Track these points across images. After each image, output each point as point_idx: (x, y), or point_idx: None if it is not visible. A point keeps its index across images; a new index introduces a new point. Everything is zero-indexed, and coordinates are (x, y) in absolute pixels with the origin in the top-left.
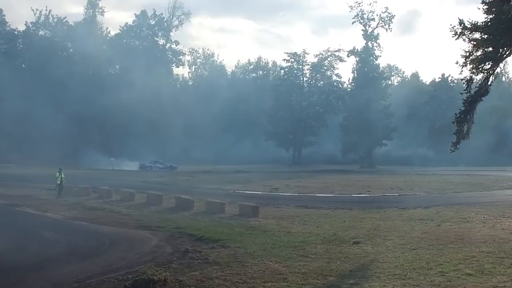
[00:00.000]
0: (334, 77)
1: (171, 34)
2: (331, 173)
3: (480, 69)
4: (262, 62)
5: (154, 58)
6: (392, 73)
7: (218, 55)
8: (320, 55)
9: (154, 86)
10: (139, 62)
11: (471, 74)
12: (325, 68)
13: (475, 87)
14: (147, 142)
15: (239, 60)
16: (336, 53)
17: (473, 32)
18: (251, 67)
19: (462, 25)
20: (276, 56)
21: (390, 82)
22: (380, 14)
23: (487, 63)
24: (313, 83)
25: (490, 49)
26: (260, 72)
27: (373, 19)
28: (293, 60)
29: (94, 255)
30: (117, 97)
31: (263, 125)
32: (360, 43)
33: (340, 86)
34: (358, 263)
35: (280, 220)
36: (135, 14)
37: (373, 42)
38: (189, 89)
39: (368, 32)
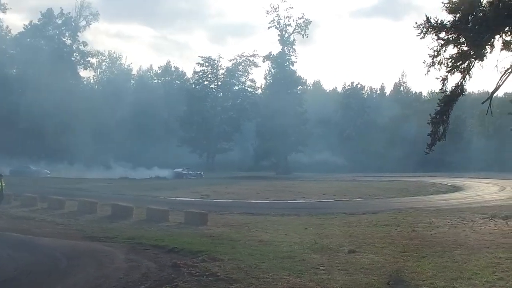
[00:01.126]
0: (249, 83)
1: (79, 34)
2: (252, 180)
3: (456, 68)
4: (172, 66)
5: (61, 58)
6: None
7: (126, 58)
8: (235, 60)
9: (60, 88)
10: (44, 63)
11: (447, 73)
12: (240, 73)
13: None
14: (57, 146)
15: (141, 66)
16: (251, 58)
17: (440, 31)
18: (159, 71)
19: (429, 23)
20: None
21: (308, 87)
22: (296, 20)
23: (461, 62)
24: (227, 88)
25: (465, 48)
26: (168, 78)
27: (290, 25)
28: (207, 64)
29: (58, 275)
30: (19, 99)
31: (175, 130)
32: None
33: (255, 91)
34: (384, 274)
35: (233, 228)
36: (40, 12)
37: (289, 48)
38: (97, 92)
39: (284, 38)
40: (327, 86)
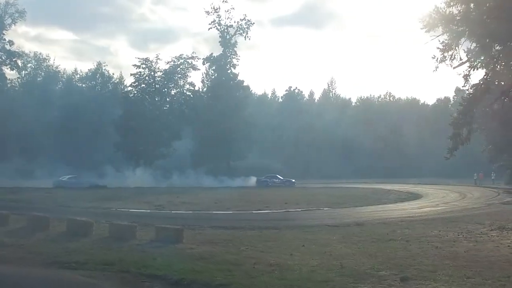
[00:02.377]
0: (188, 86)
1: (4, 33)
2: (200, 188)
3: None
4: (103, 69)
5: None
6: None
7: (54, 60)
8: (173, 62)
9: None
10: None
11: (469, 68)
12: (179, 76)
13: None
14: None
15: (65, 69)
16: (190, 61)
17: (450, 24)
18: (90, 74)
19: (439, 15)
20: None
21: (250, 91)
22: (238, 22)
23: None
24: (166, 92)
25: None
26: (100, 80)
27: (231, 26)
28: (144, 66)
29: None
30: None
31: (111, 135)
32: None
33: (195, 95)
34: None
35: (217, 246)
36: None
37: (230, 50)
38: (23, 95)
39: (226, 39)
40: (261, 91)
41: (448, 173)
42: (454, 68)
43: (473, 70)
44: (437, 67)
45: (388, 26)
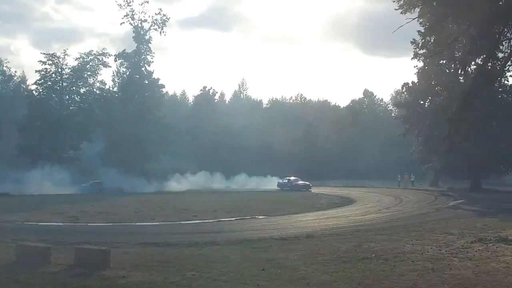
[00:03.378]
0: (98, 84)
1: None
2: (114, 195)
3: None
4: (4, 67)
5: None
6: None
7: None
8: (82, 59)
9: None
10: None
11: (469, 55)
12: (88, 73)
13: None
14: None
15: None
16: (100, 57)
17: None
18: None
19: None
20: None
21: (165, 91)
22: (153, 16)
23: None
24: (75, 90)
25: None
26: (0, 78)
27: (146, 21)
28: (50, 62)
29: None
30: None
31: (13, 137)
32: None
33: (106, 94)
34: None
35: (155, 271)
36: None
37: (145, 46)
38: None
39: (140, 34)
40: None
41: (367, 174)
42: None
43: (473, 56)
44: (417, 54)
45: (295, 29)
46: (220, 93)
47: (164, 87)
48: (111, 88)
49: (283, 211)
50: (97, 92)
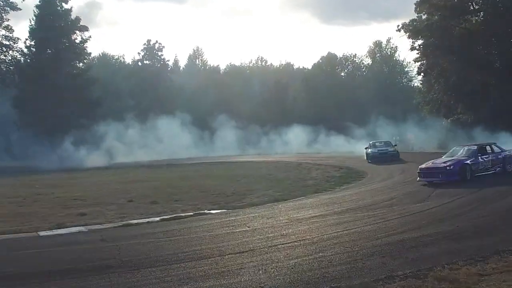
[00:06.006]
0: (4, 31)
1: None
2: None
3: None
4: None
5: None
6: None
7: None
8: None
9: None
10: None
11: None
12: None
13: None
14: None
15: None
16: None
17: None
18: None
19: None
20: None
21: (88, 36)
22: None
23: None
24: None
25: None
26: None
27: None
28: None
29: None
30: None
31: None
32: None
33: (14, 44)
34: None
35: None
36: None
37: None
38: None
39: None
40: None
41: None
42: None
43: None
44: None
45: (250, 1)
46: (174, 60)
47: (87, 30)
48: (25, 40)
49: (286, 195)
50: (3, 42)
